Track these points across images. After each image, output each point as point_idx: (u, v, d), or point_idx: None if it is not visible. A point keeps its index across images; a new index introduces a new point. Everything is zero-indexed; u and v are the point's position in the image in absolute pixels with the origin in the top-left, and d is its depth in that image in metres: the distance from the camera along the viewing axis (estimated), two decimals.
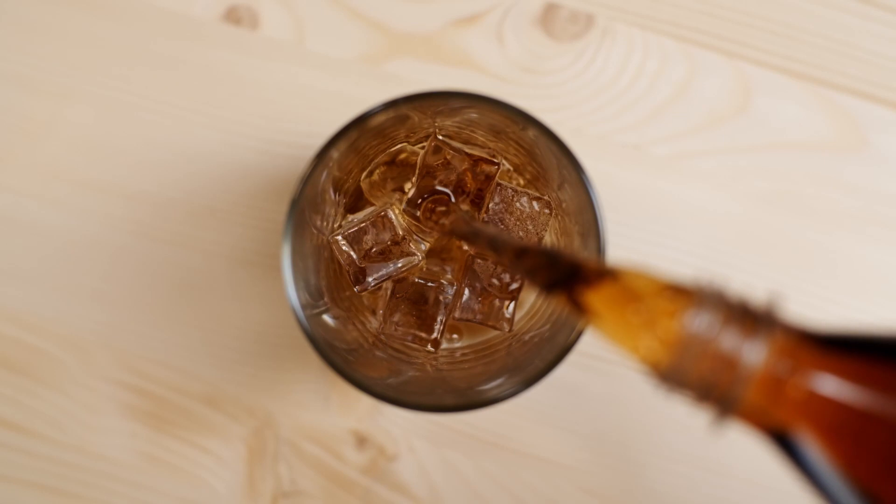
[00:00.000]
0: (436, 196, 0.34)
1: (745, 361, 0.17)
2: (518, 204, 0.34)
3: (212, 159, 0.39)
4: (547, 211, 0.34)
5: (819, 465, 0.16)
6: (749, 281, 0.38)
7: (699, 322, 0.17)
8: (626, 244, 0.38)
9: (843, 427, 0.16)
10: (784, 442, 0.17)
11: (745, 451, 0.38)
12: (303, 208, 0.29)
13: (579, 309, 0.20)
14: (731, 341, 0.17)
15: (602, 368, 0.38)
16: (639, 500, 0.38)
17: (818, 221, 0.39)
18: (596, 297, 0.19)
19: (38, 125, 0.39)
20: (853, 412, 0.16)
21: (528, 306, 0.36)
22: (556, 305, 0.32)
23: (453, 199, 0.34)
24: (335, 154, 0.30)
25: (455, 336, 0.36)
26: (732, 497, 0.38)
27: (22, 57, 0.39)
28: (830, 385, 0.16)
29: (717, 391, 0.17)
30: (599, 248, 0.28)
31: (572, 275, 0.21)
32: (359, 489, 0.38)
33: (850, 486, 0.16)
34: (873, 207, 0.39)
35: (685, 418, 0.38)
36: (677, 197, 0.39)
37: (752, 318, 0.17)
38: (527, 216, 0.34)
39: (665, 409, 0.38)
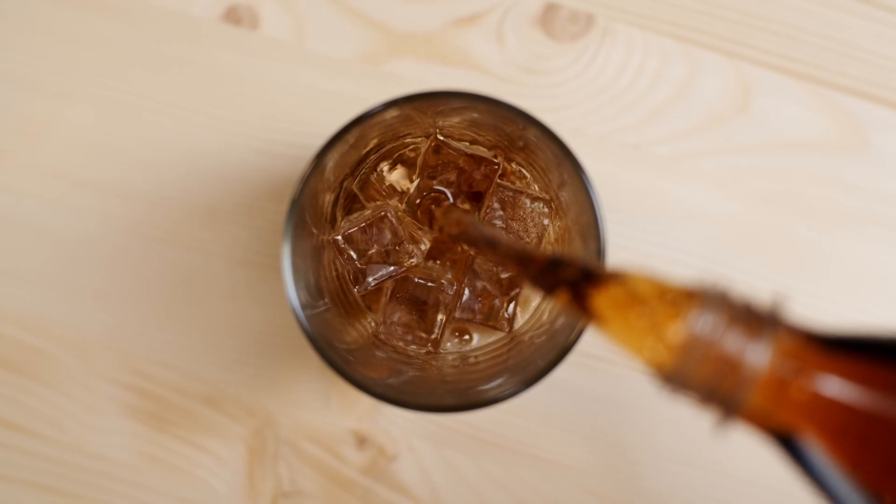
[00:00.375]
0: (435, 197, 0.34)
1: (749, 363, 0.17)
2: (518, 204, 0.34)
3: (212, 159, 0.39)
4: (547, 211, 0.34)
5: (824, 467, 0.16)
6: (749, 281, 0.38)
7: (703, 324, 0.17)
8: (626, 244, 0.38)
9: (847, 429, 0.16)
10: (788, 444, 0.17)
11: (744, 451, 0.38)
12: (303, 208, 0.29)
13: (584, 312, 0.20)
14: (735, 343, 0.17)
15: (602, 368, 0.38)
16: (638, 500, 0.38)
17: (818, 221, 0.39)
18: (600, 300, 0.19)
19: (38, 125, 0.39)
20: (858, 414, 0.16)
21: (533, 308, 0.36)
22: (559, 307, 0.32)
23: (452, 200, 0.34)
24: (335, 154, 0.30)
25: (467, 337, 0.36)
26: (732, 497, 0.38)
27: (22, 57, 0.39)
28: (835, 387, 0.16)
29: (722, 393, 0.17)
30: (599, 249, 0.28)
31: (577, 278, 0.21)
32: (359, 489, 0.38)
33: (855, 487, 0.16)
34: (873, 207, 0.39)
35: (685, 418, 0.38)
36: (677, 197, 0.39)
37: (756, 320, 0.17)
38: (526, 216, 0.34)
39: (665, 409, 0.38)
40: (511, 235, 0.34)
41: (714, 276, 0.19)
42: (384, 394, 0.29)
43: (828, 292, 0.38)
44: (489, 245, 0.27)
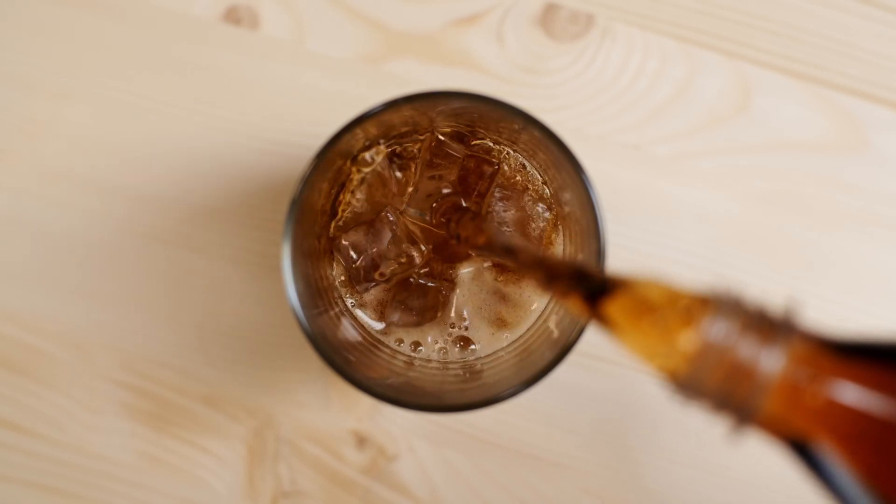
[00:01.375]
0: (453, 204, 0.34)
1: (762, 370, 0.17)
2: (517, 204, 0.34)
3: (212, 159, 0.39)
4: (546, 211, 0.34)
5: (838, 473, 0.16)
6: (749, 281, 0.38)
7: (716, 330, 0.17)
8: (626, 244, 0.38)
9: (862, 435, 0.16)
10: (803, 450, 0.17)
11: (746, 453, 0.38)
12: (303, 208, 0.29)
13: (597, 318, 0.20)
14: (748, 349, 0.17)
15: (602, 368, 0.38)
16: (639, 501, 0.38)
17: (818, 221, 0.39)
18: (613, 307, 0.19)
19: (38, 125, 0.39)
20: (873, 420, 0.16)
21: (535, 314, 0.36)
22: (572, 312, 0.32)
23: (466, 206, 0.34)
24: (335, 154, 0.30)
25: (473, 347, 0.35)
26: (732, 498, 0.38)
27: (22, 57, 0.39)
28: (850, 393, 0.16)
29: (735, 400, 0.17)
30: (599, 249, 0.28)
31: (590, 285, 0.21)
32: (359, 489, 0.38)
33: (870, 495, 0.16)
34: (873, 207, 0.39)
35: (686, 419, 0.38)
36: (677, 197, 0.39)
37: (769, 326, 0.17)
38: (526, 217, 0.34)
39: (666, 409, 0.38)
40: (513, 236, 0.34)
41: (726, 282, 0.19)
42: (384, 394, 0.29)
43: (828, 292, 0.38)
44: (507, 252, 0.27)
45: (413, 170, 0.35)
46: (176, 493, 0.38)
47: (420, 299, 0.34)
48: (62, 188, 0.39)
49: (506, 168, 0.35)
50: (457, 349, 0.35)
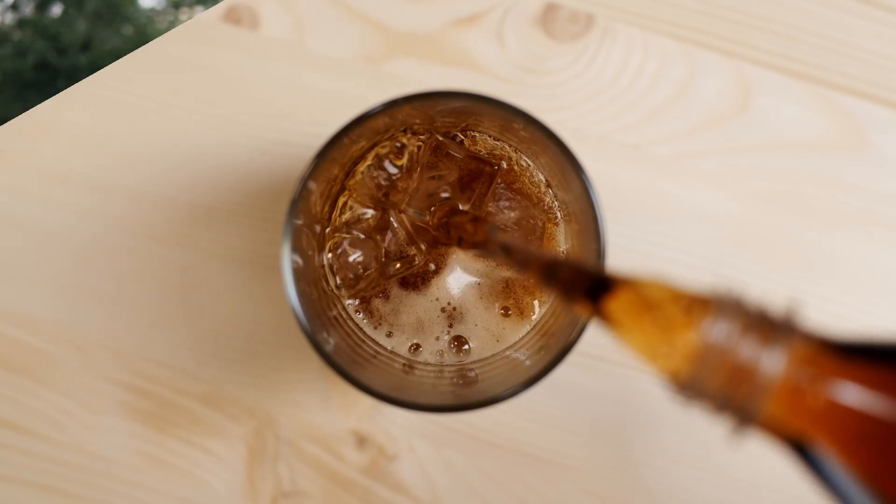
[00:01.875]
0: (451, 208, 0.34)
1: (764, 371, 0.17)
2: (517, 205, 0.34)
3: (212, 159, 0.39)
4: (547, 211, 0.34)
5: (839, 475, 0.16)
6: (749, 281, 0.38)
7: (717, 331, 0.17)
8: (626, 244, 0.38)
9: (863, 436, 0.16)
10: (804, 451, 0.17)
11: (746, 453, 0.38)
12: (303, 208, 0.29)
13: (599, 317, 0.20)
14: (749, 351, 0.17)
15: (603, 369, 0.38)
16: (639, 500, 0.38)
17: (818, 221, 0.39)
18: (615, 307, 0.19)
19: (38, 125, 0.39)
20: (875, 421, 0.16)
21: (536, 314, 0.36)
22: (573, 311, 0.32)
23: (463, 209, 0.34)
24: (335, 154, 0.30)
25: (466, 347, 0.35)
26: (732, 498, 0.38)
27: None
28: (851, 394, 0.16)
29: (737, 401, 0.17)
30: (599, 249, 0.28)
31: (592, 284, 0.21)
32: (359, 489, 0.38)
33: (872, 496, 0.16)
34: (873, 207, 0.39)
35: (686, 419, 0.38)
36: (677, 197, 0.39)
37: (770, 327, 0.17)
38: (526, 217, 0.34)
39: (666, 409, 0.38)
40: (513, 236, 0.34)
41: (728, 282, 0.19)
42: (384, 394, 0.29)
43: (828, 292, 0.38)
44: (507, 253, 0.27)
45: (413, 170, 0.35)
46: (176, 493, 0.38)
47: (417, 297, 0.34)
48: (62, 188, 0.39)
49: (505, 168, 0.35)
50: (453, 350, 0.35)
